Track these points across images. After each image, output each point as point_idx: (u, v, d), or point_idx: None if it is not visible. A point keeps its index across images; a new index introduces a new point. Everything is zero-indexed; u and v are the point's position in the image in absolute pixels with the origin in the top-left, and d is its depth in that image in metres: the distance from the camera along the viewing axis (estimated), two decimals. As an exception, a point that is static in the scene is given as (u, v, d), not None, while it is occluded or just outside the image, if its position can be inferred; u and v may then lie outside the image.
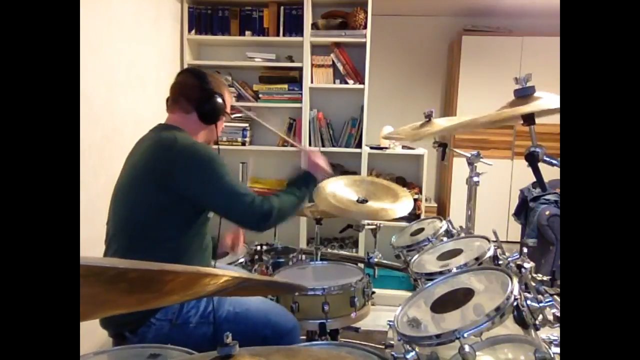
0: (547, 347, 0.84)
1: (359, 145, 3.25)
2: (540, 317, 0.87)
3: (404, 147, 3.42)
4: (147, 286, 0.47)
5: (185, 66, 3.15)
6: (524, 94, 1.18)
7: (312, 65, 3.21)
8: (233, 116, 3.21)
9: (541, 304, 0.87)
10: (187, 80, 1.53)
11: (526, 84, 1.18)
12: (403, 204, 1.82)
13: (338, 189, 1.88)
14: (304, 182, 1.61)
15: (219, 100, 1.51)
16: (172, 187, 1.37)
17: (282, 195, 1.52)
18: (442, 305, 1.01)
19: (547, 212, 3.01)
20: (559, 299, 0.81)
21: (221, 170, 1.41)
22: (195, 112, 1.50)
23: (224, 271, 0.53)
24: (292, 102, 3.24)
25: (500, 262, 1.23)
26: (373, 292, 1.81)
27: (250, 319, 1.43)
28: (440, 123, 1.71)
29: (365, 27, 3.12)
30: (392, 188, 1.96)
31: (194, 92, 1.50)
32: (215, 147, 1.56)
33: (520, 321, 0.87)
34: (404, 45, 4.17)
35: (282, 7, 3.16)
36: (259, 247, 2.12)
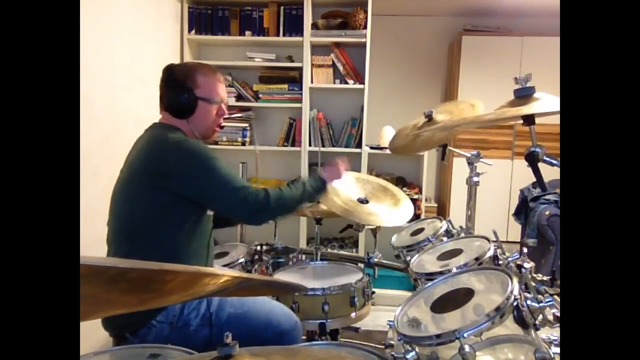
0: (547, 347, 0.84)
1: (359, 145, 3.25)
2: (540, 317, 0.87)
3: (404, 147, 3.42)
4: (147, 286, 0.47)
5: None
6: (524, 94, 1.18)
7: (312, 65, 3.21)
8: (233, 116, 3.20)
9: (541, 304, 0.87)
10: (160, 81, 1.52)
11: (526, 84, 1.18)
12: (403, 209, 1.83)
13: (341, 186, 1.87)
14: (315, 186, 1.58)
15: (181, 89, 1.45)
16: (167, 187, 1.36)
17: (285, 189, 1.49)
18: (442, 305, 1.01)
19: (547, 212, 3.01)
20: (559, 299, 0.81)
21: (212, 163, 1.39)
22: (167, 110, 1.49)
23: (224, 271, 0.53)
24: (292, 102, 3.24)
25: (500, 262, 1.23)
26: (373, 292, 1.81)
27: (251, 320, 1.43)
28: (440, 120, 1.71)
29: (365, 27, 3.12)
30: (395, 193, 1.97)
31: (160, 90, 1.49)
32: (212, 144, 1.54)
33: (520, 321, 0.87)
34: (404, 45, 4.17)
35: (282, 7, 3.16)
36: (259, 247, 2.12)
